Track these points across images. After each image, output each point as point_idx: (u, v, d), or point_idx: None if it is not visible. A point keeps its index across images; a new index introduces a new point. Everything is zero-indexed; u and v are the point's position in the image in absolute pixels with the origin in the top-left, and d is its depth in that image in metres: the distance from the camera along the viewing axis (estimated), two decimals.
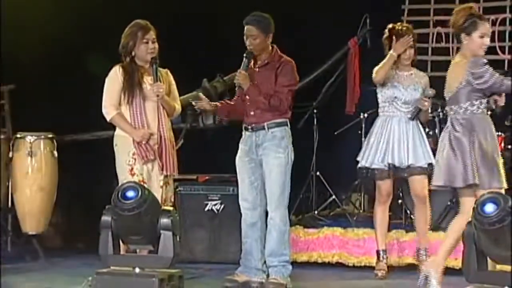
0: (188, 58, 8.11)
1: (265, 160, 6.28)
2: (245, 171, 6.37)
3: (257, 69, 6.39)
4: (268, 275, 6.32)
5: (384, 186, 6.86)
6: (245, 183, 6.38)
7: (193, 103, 6.47)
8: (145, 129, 6.16)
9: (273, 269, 6.28)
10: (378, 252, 6.92)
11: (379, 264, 6.89)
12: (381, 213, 6.92)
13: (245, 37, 6.34)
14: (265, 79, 6.32)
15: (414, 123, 6.85)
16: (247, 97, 6.36)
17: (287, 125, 6.35)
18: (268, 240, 6.30)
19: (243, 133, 6.45)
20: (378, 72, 6.77)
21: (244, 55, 6.36)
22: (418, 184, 6.83)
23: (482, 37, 5.87)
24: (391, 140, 6.80)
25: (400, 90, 6.82)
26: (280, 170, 6.25)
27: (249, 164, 6.35)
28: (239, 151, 6.42)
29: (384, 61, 6.73)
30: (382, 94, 6.88)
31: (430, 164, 6.70)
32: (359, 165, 6.92)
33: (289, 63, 6.35)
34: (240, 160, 6.40)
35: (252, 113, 6.36)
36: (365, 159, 6.86)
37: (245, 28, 6.32)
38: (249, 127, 6.37)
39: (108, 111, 6.20)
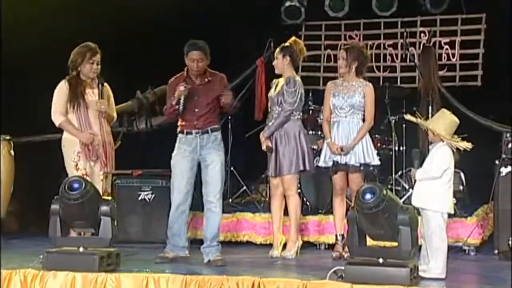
0: (125, 72, 7.97)
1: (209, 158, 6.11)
2: (184, 167, 6.15)
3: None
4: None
5: (337, 181, 6.41)
6: (183, 178, 6.14)
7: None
8: (89, 132, 6.11)
9: (215, 247, 6.17)
10: (336, 236, 6.51)
11: (336, 246, 6.50)
12: (337, 204, 6.47)
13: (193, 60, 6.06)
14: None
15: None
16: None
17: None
18: (212, 226, 6.14)
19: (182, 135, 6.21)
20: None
21: None
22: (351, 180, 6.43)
23: None
24: (340, 142, 6.35)
25: (338, 99, 6.38)
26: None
27: (191, 162, 6.15)
28: (177, 150, 6.19)
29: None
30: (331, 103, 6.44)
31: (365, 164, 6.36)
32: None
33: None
34: (181, 158, 6.15)
35: None
36: (321, 161, 6.44)
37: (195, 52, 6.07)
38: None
39: (56, 118, 6.17)
